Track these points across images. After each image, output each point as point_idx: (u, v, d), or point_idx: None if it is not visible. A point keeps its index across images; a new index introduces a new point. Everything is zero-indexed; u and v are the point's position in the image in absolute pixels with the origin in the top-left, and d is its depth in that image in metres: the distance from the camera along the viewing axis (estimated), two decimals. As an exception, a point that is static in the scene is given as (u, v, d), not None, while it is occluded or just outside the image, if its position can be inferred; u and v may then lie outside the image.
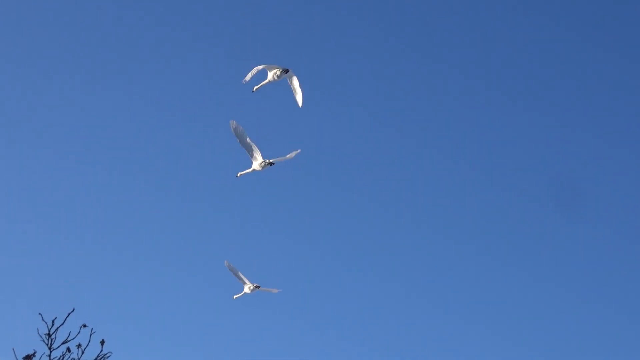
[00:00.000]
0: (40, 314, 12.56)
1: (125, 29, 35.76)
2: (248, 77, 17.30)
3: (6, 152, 35.09)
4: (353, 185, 35.63)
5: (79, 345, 12.58)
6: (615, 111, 38.61)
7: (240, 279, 19.58)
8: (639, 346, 32.91)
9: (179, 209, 34.23)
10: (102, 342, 12.74)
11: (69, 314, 12.59)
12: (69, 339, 12.60)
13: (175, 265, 32.63)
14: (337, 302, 33.53)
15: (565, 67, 38.57)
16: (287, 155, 18.62)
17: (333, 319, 32.99)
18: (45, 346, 12.56)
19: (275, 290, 19.88)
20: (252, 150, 18.51)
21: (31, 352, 12.40)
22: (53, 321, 12.58)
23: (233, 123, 18.13)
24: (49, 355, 12.51)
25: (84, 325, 12.59)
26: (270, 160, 18.46)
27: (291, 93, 17.72)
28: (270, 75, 17.87)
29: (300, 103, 17.65)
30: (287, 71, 17.80)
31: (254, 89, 18.06)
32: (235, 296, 19.62)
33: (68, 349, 12.56)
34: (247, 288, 19.41)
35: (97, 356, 12.59)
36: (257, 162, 18.50)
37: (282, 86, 17.85)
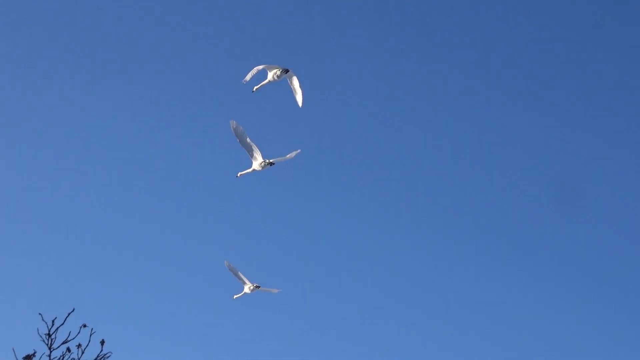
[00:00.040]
0: (40, 313, 12.57)
1: (125, 29, 35.79)
2: (248, 77, 17.30)
3: (6, 152, 35.13)
4: (353, 185, 35.65)
5: (79, 345, 12.57)
6: (615, 111, 38.65)
7: (240, 279, 19.57)
8: (639, 346, 32.92)
9: (179, 209, 34.25)
10: (102, 342, 12.73)
11: (69, 314, 12.59)
12: (69, 339, 12.59)
13: (175, 265, 32.65)
14: (337, 302, 33.56)
15: (565, 67, 38.62)
16: (287, 155, 18.61)
17: (333, 319, 33.01)
18: (45, 346, 12.56)
19: (275, 291, 19.88)
20: (252, 150, 18.50)
21: (31, 352, 12.40)
22: (53, 321, 12.57)
23: (233, 123, 18.13)
24: (49, 355, 12.50)
25: (84, 325, 12.58)
26: (270, 160, 18.45)
27: (291, 93, 17.72)
28: (270, 75, 17.87)
29: (300, 103, 17.65)
30: (287, 71, 17.79)
31: (254, 89, 18.06)
32: (235, 296, 19.62)
33: (68, 349, 12.55)
34: (247, 288, 19.40)
35: (97, 356, 12.58)
36: (257, 162, 18.49)
37: (282, 86, 17.87)
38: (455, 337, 33.30)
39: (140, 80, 35.98)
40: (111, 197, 34.51)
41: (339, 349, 32.04)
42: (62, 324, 12.57)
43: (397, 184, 36.22)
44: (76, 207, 34.40)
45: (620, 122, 38.64)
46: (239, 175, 18.69)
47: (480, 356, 32.70)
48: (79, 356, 12.53)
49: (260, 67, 17.42)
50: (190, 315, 31.89)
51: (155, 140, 35.14)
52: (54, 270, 32.57)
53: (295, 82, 17.66)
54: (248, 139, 18.39)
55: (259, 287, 19.42)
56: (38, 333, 12.57)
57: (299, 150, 18.58)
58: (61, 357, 12.49)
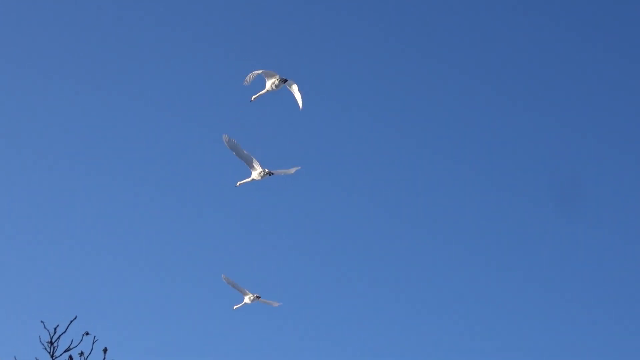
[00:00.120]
0: (42, 321, 12.49)
1: (125, 29, 35.82)
2: (249, 78, 17.25)
3: (6, 152, 35.05)
4: (352, 186, 35.61)
5: (81, 353, 12.49)
6: (615, 111, 38.73)
7: (239, 290, 19.49)
8: (639, 346, 32.90)
9: (183, 217, 34.17)
10: (105, 350, 12.65)
11: (71, 322, 12.51)
12: (71, 346, 12.51)
13: (178, 273, 32.54)
14: (337, 306, 33.45)
15: (565, 67, 38.72)
16: (287, 170, 18.56)
17: (334, 328, 32.92)
18: (48, 354, 12.47)
19: (275, 304, 19.79)
20: (249, 161, 18.45)
21: (33, 361, 12.32)
22: (55, 329, 12.49)
23: (225, 137, 18.05)
24: (51, 364, 12.42)
25: (87, 333, 12.50)
26: (270, 170, 18.40)
27: (290, 95, 17.70)
28: (269, 84, 17.82)
29: (300, 106, 17.61)
30: (285, 81, 17.75)
31: (252, 99, 18.02)
32: (235, 306, 19.54)
33: (70, 357, 12.47)
34: (248, 298, 19.31)
35: (100, 364, 12.51)
36: (257, 172, 18.43)
37: (281, 89, 17.82)
38: (455, 337, 33.25)
39: (140, 81, 36.02)
40: (114, 203, 34.47)
41: (339, 357, 31.96)
42: (65, 331, 12.50)
43: (397, 184, 36.24)
44: (79, 214, 34.32)
45: (620, 122, 38.77)
46: (238, 184, 18.63)
47: (481, 357, 32.66)
48: (82, 364, 12.46)
49: (260, 71, 17.38)
50: (194, 324, 31.79)
51: (155, 141, 35.12)
52: (56, 278, 32.50)
53: (295, 88, 17.62)
54: (244, 151, 18.34)
55: (259, 297, 19.34)
56: (40, 341, 12.50)
57: (299, 167, 18.55)
58: (64, 365, 12.41)
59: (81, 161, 34.56)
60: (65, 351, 12.49)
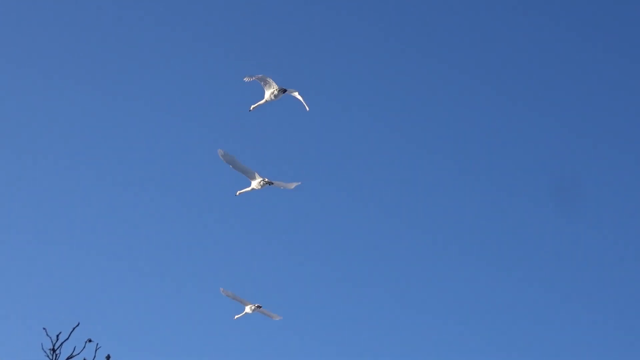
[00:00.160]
0: (44, 328, 12.41)
1: (125, 29, 35.86)
2: (251, 78, 17.25)
3: (6, 153, 35.01)
4: (352, 186, 35.63)
5: (84, 361, 12.43)
6: (615, 111, 38.81)
7: (240, 301, 19.44)
8: (639, 346, 32.86)
9: (187, 224, 34.13)
10: (108, 357, 12.59)
11: (73, 329, 12.43)
12: (74, 354, 12.43)
13: (182, 281, 32.46)
14: (337, 312, 33.38)
15: (565, 67, 38.81)
16: (287, 184, 18.54)
17: (334, 330, 32.84)
18: (50, 362, 12.39)
19: (276, 317, 19.72)
20: (247, 172, 18.43)
21: (35, 368, 12.25)
22: (58, 336, 12.42)
23: (221, 152, 18.03)
24: (54, 371, 12.34)
25: (89, 340, 12.43)
26: (269, 180, 18.37)
27: (290, 95, 17.70)
28: (268, 94, 17.82)
29: (307, 108, 17.59)
30: (284, 91, 17.75)
31: (251, 108, 18.01)
32: (236, 316, 19.48)
33: (73, 365, 12.40)
34: (249, 308, 19.25)
35: (103, 371, 12.45)
36: (256, 181, 18.42)
37: (280, 98, 17.81)
38: (455, 337, 33.19)
39: (140, 81, 36.03)
40: (117, 209, 34.42)
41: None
42: (67, 338, 12.41)
43: (397, 184, 36.24)
44: (82, 221, 34.25)
45: (620, 122, 38.84)
46: (237, 194, 18.61)
47: (481, 357, 32.61)
48: (85, 371, 12.39)
49: (260, 75, 17.38)
50: (197, 331, 31.70)
51: (155, 142, 35.10)
52: (58, 284, 32.41)
53: (297, 95, 17.62)
54: (241, 163, 18.32)
55: (260, 307, 19.28)
56: (42, 348, 12.41)
57: (299, 182, 18.54)
58: (66, 373, 12.33)
59: (81, 164, 34.57)
60: (68, 359, 12.40)
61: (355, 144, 36.11)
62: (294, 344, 31.73)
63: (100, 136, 35.11)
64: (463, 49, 38.37)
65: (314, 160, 33.87)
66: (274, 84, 17.62)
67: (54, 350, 12.38)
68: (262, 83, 17.60)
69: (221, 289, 19.41)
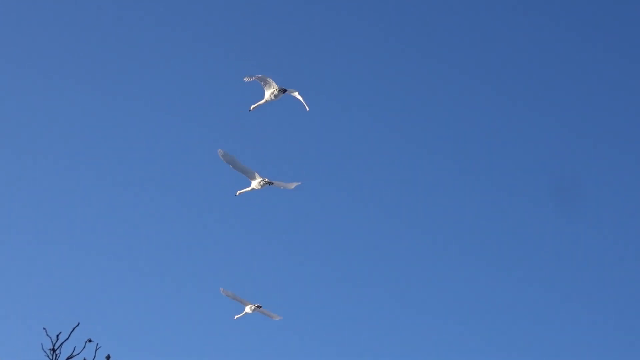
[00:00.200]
0: (44, 328, 12.41)
1: (125, 29, 35.88)
2: (251, 78, 17.26)
3: (6, 154, 35.03)
4: (351, 186, 35.66)
5: (84, 361, 12.43)
6: (615, 111, 38.83)
7: (240, 301, 19.44)
8: (639, 346, 32.88)
9: (188, 224, 34.14)
10: (108, 357, 12.59)
11: (73, 329, 12.43)
12: (74, 354, 12.43)
13: (182, 281, 32.48)
14: (337, 314, 33.39)
15: (565, 67, 38.83)
16: (287, 184, 18.54)
17: (333, 332, 32.85)
18: (50, 362, 12.39)
19: (276, 317, 19.73)
20: (248, 172, 18.44)
21: (35, 368, 12.25)
22: (57, 336, 12.41)
23: (221, 152, 18.04)
24: (54, 371, 12.34)
25: (89, 340, 12.43)
26: (269, 180, 18.38)
27: (290, 95, 17.72)
28: (268, 94, 17.82)
29: (307, 108, 17.60)
30: (284, 91, 17.75)
31: (251, 108, 18.02)
32: (236, 316, 19.48)
33: (73, 365, 12.39)
34: (249, 308, 19.25)
35: (103, 371, 12.45)
36: (256, 181, 18.42)
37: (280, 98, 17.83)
38: (455, 337, 33.21)
39: (140, 81, 36.05)
40: (117, 209, 34.43)
41: None
42: (67, 338, 12.41)
43: (397, 185, 36.25)
44: (81, 220, 34.26)
45: (620, 122, 38.85)
46: (237, 194, 18.62)
47: (481, 357, 32.63)
48: (85, 371, 12.39)
49: (260, 75, 17.39)
50: (198, 332, 31.72)
51: (155, 142, 35.11)
52: (58, 284, 32.42)
53: (297, 94, 17.63)
54: (241, 163, 18.33)
55: (260, 307, 19.28)
56: (42, 348, 12.41)
57: (299, 182, 18.54)
58: (66, 373, 12.33)
59: (81, 164, 34.59)
60: (68, 358, 12.40)
61: (355, 144, 36.14)
62: (294, 344, 31.76)
63: (100, 136, 35.16)
64: (463, 49, 38.40)
65: (314, 160, 33.91)
66: (274, 84, 17.63)
67: (54, 350, 12.38)
68: (262, 83, 17.61)
69: (221, 289, 19.42)
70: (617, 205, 36.60)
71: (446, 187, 36.86)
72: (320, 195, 33.72)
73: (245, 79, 17.20)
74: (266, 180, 18.37)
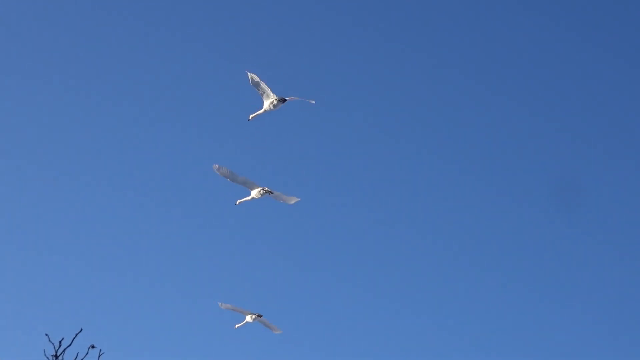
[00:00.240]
0: (47, 334, 12.39)
1: (126, 29, 35.95)
2: (253, 79, 17.31)
3: (6, 153, 35.00)
4: (351, 186, 35.65)
5: (87, 367, 12.40)
6: (615, 112, 38.90)
7: (240, 312, 19.42)
8: (639, 346, 32.85)
9: (188, 232, 34.14)
10: (92, 346, 12.56)
11: (76, 335, 12.41)
12: (76, 360, 12.41)
13: (185, 287, 32.44)
14: (337, 317, 33.36)
15: (565, 67, 38.91)
16: (287, 198, 18.56)
17: (334, 334, 32.81)
18: (53, 368, 12.37)
19: (277, 330, 19.69)
20: (246, 183, 18.46)
21: (38, 374, 12.22)
22: (60, 342, 12.39)
23: (216, 166, 18.07)
24: (57, 378, 12.31)
25: (92, 346, 12.41)
26: (269, 189, 18.40)
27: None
28: (267, 104, 17.84)
29: (312, 102, 17.60)
30: (284, 100, 17.77)
31: (250, 118, 18.04)
32: (236, 325, 19.47)
33: (76, 371, 12.37)
34: (250, 317, 19.24)
35: (106, 377, 12.41)
36: (256, 190, 18.44)
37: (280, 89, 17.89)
38: (455, 338, 33.16)
39: (140, 81, 36.06)
40: (120, 217, 34.41)
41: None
42: (70, 344, 12.40)
43: (396, 186, 36.25)
44: (85, 227, 34.22)
45: (620, 122, 38.91)
46: (237, 203, 18.64)
47: (481, 357, 32.59)
48: (88, 377, 12.36)
49: (257, 79, 17.43)
50: (199, 339, 31.65)
51: (155, 151, 35.11)
52: (61, 290, 32.37)
53: (299, 99, 17.66)
54: (238, 176, 18.35)
55: (261, 316, 19.26)
56: (45, 354, 12.39)
57: (299, 199, 18.56)
58: (69, 379, 12.30)
59: (79, 165, 34.62)
60: (71, 365, 12.39)
61: (355, 148, 36.16)
62: (293, 351, 31.73)
63: (104, 144, 35.20)
64: (463, 49, 38.47)
65: (313, 166, 33.93)
66: (272, 94, 17.65)
67: (56, 356, 12.36)
68: (260, 93, 17.64)
69: (219, 303, 19.41)
70: (617, 207, 36.68)
71: (446, 189, 36.92)
72: (320, 203, 33.75)
73: (251, 78, 17.31)
74: (266, 189, 18.39)
